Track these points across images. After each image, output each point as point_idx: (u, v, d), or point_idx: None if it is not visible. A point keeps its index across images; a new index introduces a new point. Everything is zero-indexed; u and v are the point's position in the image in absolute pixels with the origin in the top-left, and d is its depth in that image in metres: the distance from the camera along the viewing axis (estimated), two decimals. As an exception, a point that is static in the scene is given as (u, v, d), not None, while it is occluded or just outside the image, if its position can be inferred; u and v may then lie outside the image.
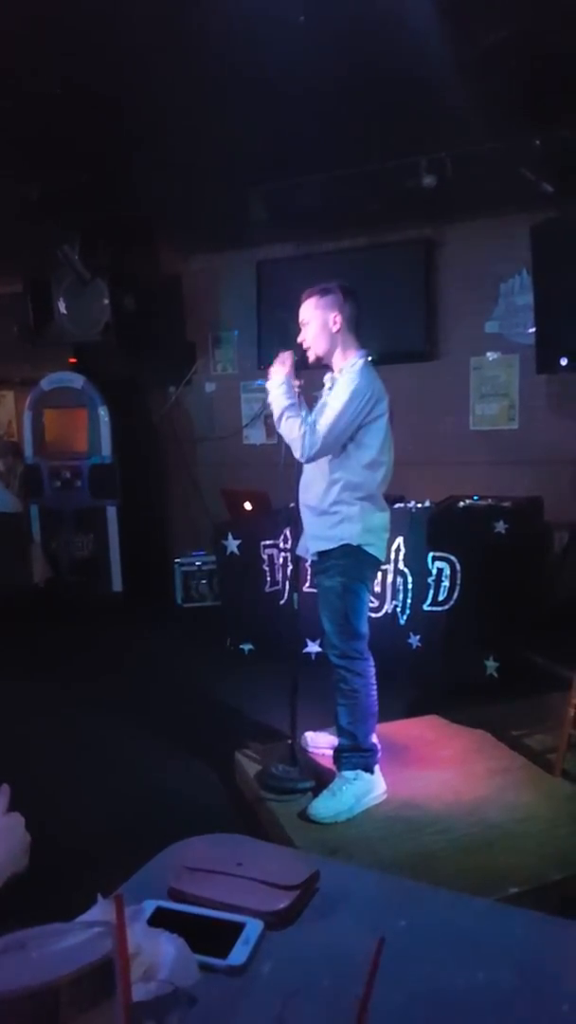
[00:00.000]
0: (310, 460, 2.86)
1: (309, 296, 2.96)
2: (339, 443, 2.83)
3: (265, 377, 3.00)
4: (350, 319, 2.95)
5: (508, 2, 3.04)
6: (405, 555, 4.52)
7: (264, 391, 3.03)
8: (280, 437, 3.15)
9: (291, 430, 2.83)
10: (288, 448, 3.01)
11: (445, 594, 4.42)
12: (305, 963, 0.94)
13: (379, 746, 3.02)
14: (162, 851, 1.20)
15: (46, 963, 0.61)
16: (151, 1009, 0.77)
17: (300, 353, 2.96)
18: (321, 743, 3.32)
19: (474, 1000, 0.87)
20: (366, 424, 2.85)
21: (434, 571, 4.44)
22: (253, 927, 0.97)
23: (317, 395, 3.04)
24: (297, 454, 2.85)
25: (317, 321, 2.92)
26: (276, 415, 2.89)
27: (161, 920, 0.96)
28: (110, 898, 0.81)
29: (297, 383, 2.99)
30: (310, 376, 3.05)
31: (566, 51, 3.30)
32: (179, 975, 0.82)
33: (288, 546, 4.58)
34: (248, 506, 5.46)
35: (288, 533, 4.48)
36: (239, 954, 0.93)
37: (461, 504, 4.84)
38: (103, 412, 6.13)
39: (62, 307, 5.87)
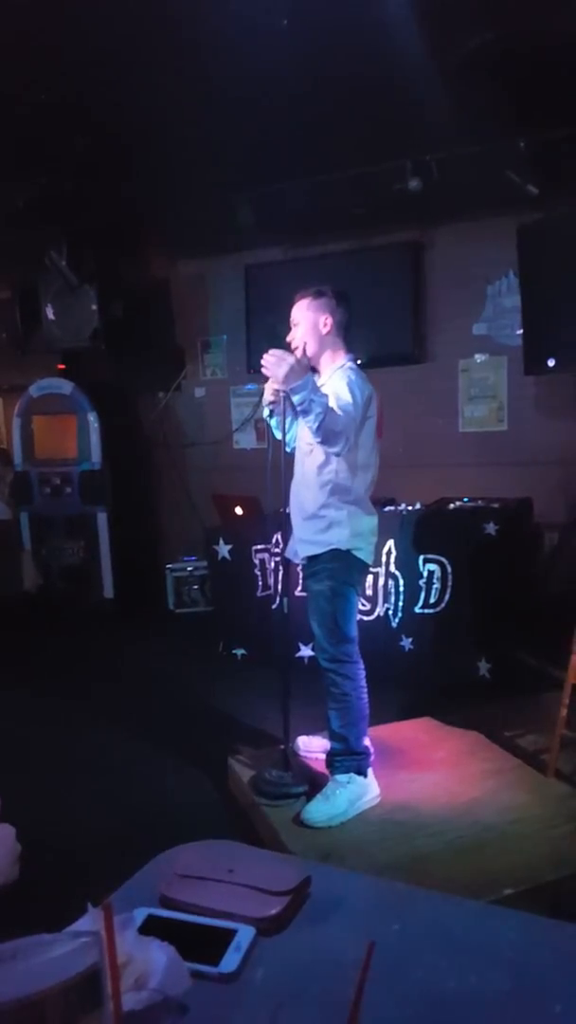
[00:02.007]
0: (341, 453, 2.77)
1: (302, 298, 2.96)
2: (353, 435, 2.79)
3: (255, 381, 2.98)
4: (340, 323, 2.96)
5: (491, 5, 3.05)
6: (396, 558, 4.52)
7: (253, 395, 3.01)
8: (270, 441, 3.15)
9: (334, 424, 2.66)
10: (275, 452, 3.01)
11: (436, 596, 4.43)
12: (297, 969, 0.93)
13: (372, 749, 3.02)
14: (153, 858, 1.20)
15: (32, 974, 0.60)
16: (142, 1018, 0.76)
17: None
18: (314, 747, 3.32)
19: (467, 1003, 0.87)
20: (360, 423, 2.85)
21: (425, 573, 4.45)
22: (245, 934, 0.97)
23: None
24: (336, 448, 2.70)
25: (307, 322, 2.92)
26: (319, 411, 2.62)
27: (152, 928, 0.96)
28: (100, 907, 0.80)
29: (284, 387, 2.98)
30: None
31: (549, 53, 3.32)
32: (170, 983, 0.81)
33: (280, 550, 4.58)
34: (239, 511, 5.46)
35: (279, 538, 4.48)
36: (231, 961, 0.92)
37: (451, 506, 4.85)
38: (92, 418, 6.12)
39: (50, 313, 5.87)
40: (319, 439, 2.70)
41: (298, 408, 2.67)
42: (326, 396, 2.71)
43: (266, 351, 2.71)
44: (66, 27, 3.05)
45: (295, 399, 2.65)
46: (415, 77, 3.33)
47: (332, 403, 2.72)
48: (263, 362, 2.70)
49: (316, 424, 2.63)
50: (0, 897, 2.38)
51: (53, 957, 0.64)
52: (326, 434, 2.66)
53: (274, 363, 2.66)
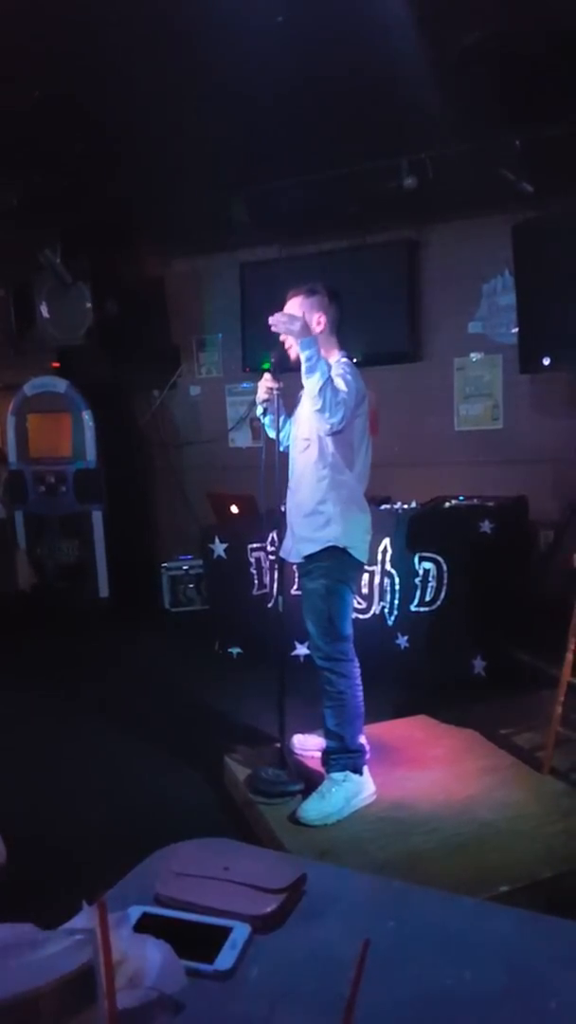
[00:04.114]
0: (341, 429, 2.80)
1: (295, 296, 2.96)
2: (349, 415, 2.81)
3: (251, 379, 2.99)
4: (333, 321, 2.97)
5: (486, 2, 3.05)
6: (392, 556, 4.52)
7: (249, 393, 3.02)
8: (265, 438, 3.16)
9: (335, 393, 2.73)
10: (270, 450, 3.02)
11: (432, 594, 4.43)
12: (292, 967, 0.93)
13: (367, 747, 3.02)
14: (149, 856, 1.19)
15: (26, 972, 0.60)
16: (137, 1016, 0.76)
17: (281, 354, 2.95)
18: (310, 745, 3.31)
19: (463, 1000, 0.87)
20: (355, 417, 2.86)
21: (421, 571, 4.45)
22: (240, 931, 0.96)
23: (298, 397, 3.04)
24: (337, 418, 2.74)
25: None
26: (325, 370, 2.74)
27: (147, 926, 0.95)
28: (95, 905, 0.80)
29: (277, 384, 2.99)
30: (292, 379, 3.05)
31: (543, 51, 3.32)
32: (165, 981, 0.81)
33: (275, 549, 4.58)
34: (235, 509, 5.45)
35: (275, 536, 4.48)
36: (226, 959, 0.92)
37: (447, 504, 4.86)
38: (87, 416, 6.10)
39: (44, 311, 5.85)
40: (320, 406, 2.72)
41: (306, 364, 2.74)
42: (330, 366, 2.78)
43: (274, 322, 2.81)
44: (60, 24, 3.04)
45: (304, 354, 2.74)
46: (410, 75, 3.32)
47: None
48: (272, 322, 2.80)
49: (321, 382, 2.70)
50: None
51: (47, 955, 0.63)
52: (329, 400, 2.70)
53: (287, 321, 2.77)
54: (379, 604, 4.59)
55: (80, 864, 2.56)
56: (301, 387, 3.00)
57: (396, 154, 4.41)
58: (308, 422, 2.94)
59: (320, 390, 2.71)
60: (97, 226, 5.43)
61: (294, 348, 2.90)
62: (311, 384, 2.74)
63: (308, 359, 2.74)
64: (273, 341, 3.00)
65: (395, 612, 4.55)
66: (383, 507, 4.69)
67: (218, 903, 1.01)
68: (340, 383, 2.77)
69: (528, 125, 4.06)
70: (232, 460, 6.26)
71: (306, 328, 2.78)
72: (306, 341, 2.75)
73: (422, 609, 4.47)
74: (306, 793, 2.95)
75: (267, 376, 3.03)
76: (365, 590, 4.55)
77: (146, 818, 3.05)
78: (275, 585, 4.09)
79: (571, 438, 5.17)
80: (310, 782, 3.02)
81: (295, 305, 2.94)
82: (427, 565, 4.44)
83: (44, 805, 3.20)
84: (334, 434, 2.82)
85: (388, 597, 4.56)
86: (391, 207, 4.92)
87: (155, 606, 6.16)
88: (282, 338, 2.94)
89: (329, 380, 2.73)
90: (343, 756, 2.94)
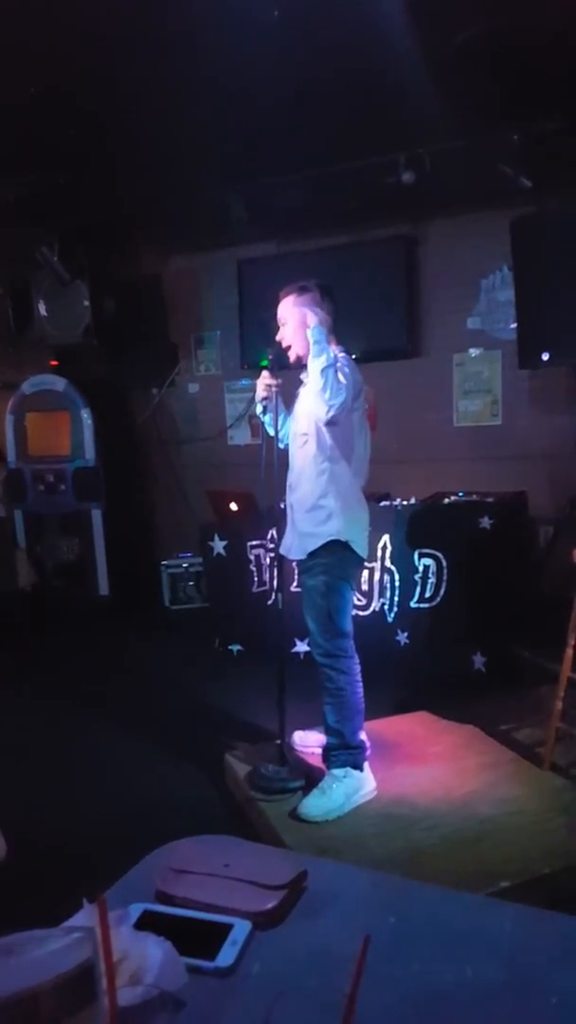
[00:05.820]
0: (338, 417, 2.82)
1: (287, 294, 2.96)
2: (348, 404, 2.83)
3: (249, 376, 3.00)
4: (327, 317, 2.96)
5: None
6: (391, 552, 4.52)
7: (247, 390, 3.02)
8: (263, 436, 3.15)
9: (338, 380, 2.75)
10: (268, 448, 3.02)
11: (432, 590, 4.43)
12: (293, 963, 0.93)
13: (368, 743, 3.02)
14: (150, 854, 1.19)
15: (25, 970, 0.60)
16: (137, 1014, 0.76)
17: (279, 352, 2.95)
18: (310, 742, 3.32)
19: (463, 996, 0.87)
20: (352, 411, 2.86)
21: (420, 568, 4.45)
22: (241, 928, 0.96)
23: (296, 394, 3.04)
24: (337, 401, 2.74)
25: (295, 319, 2.92)
26: (332, 355, 2.78)
27: (148, 923, 0.95)
28: (95, 903, 0.80)
29: (276, 382, 2.99)
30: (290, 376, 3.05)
31: (540, 46, 3.32)
32: (166, 979, 0.81)
33: (274, 546, 4.58)
34: (234, 507, 5.45)
35: (274, 533, 4.48)
36: (227, 955, 0.92)
37: (446, 500, 4.86)
38: (86, 415, 6.10)
39: (42, 309, 5.85)
40: (323, 386, 2.73)
41: (315, 348, 2.78)
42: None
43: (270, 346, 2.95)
44: (57, 20, 3.03)
45: (314, 337, 2.79)
46: (408, 70, 3.32)
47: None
48: (280, 338, 2.93)
49: (327, 363, 2.73)
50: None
51: (47, 953, 0.63)
52: (331, 381, 2.72)
53: (291, 336, 2.90)
54: (379, 601, 4.59)
55: (80, 862, 2.56)
56: (299, 384, 3.01)
57: (394, 149, 4.41)
58: (306, 417, 2.94)
59: (323, 371, 2.73)
60: (94, 224, 5.42)
61: (293, 347, 2.91)
62: (317, 364, 2.75)
63: (317, 342, 2.79)
64: (271, 338, 3.00)
65: (395, 608, 4.55)
66: (382, 503, 4.69)
67: (219, 900, 1.01)
68: (339, 376, 2.77)
69: (526, 120, 4.06)
70: (231, 457, 6.26)
71: (307, 324, 2.85)
72: (314, 330, 2.81)
73: (422, 605, 4.47)
74: (306, 790, 2.96)
75: (265, 374, 3.03)
76: (365, 587, 4.55)
77: (146, 815, 3.05)
78: (275, 582, 4.09)
79: (570, 433, 5.16)
80: (310, 778, 3.02)
81: (287, 304, 2.94)
82: (427, 561, 4.44)
83: (44, 802, 3.20)
84: (330, 424, 2.82)
85: (388, 594, 4.56)
86: (389, 203, 4.92)
87: (155, 604, 6.16)
88: (278, 337, 2.95)
89: (334, 363, 2.75)
90: (343, 752, 2.94)
